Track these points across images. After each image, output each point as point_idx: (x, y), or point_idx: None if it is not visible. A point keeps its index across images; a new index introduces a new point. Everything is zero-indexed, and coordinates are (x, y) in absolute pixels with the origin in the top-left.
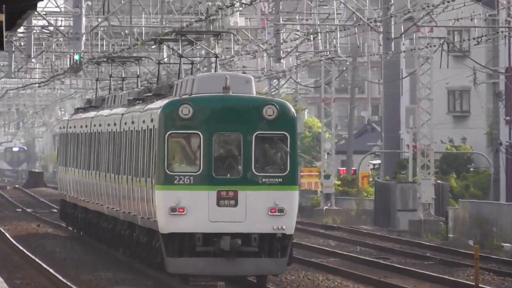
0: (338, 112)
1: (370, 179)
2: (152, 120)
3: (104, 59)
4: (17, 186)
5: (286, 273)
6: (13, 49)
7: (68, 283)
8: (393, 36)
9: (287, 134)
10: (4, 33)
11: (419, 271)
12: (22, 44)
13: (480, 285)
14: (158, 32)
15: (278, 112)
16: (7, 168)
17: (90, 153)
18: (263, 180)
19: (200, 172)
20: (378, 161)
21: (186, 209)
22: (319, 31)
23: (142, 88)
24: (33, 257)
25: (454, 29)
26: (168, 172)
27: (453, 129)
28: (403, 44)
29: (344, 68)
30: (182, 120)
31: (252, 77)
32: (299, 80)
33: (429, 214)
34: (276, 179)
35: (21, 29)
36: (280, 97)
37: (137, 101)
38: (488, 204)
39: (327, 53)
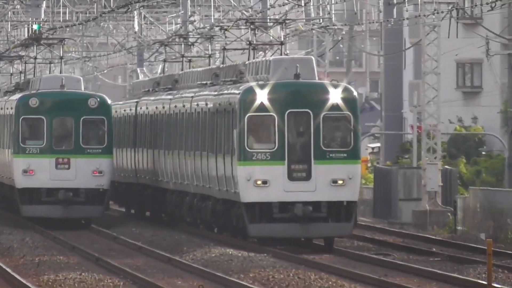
0: None
1: (369, 165)
2: (12, 108)
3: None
4: None
5: (274, 271)
6: None
7: None
8: (395, 1)
9: (105, 118)
10: None
11: (424, 268)
12: None
13: (493, 284)
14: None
15: (99, 102)
16: None
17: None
18: (88, 150)
19: (44, 145)
20: (378, 144)
21: (34, 171)
22: None
23: (15, 83)
24: None
25: None
26: (21, 145)
27: (463, 107)
28: (406, 11)
29: (340, 38)
30: (31, 109)
31: (81, 77)
32: (287, 52)
33: (435, 203)
34: (97, 150)
35: None
36: None
37: (10, 92)
38: (502, 193)
39: (320, 21)
